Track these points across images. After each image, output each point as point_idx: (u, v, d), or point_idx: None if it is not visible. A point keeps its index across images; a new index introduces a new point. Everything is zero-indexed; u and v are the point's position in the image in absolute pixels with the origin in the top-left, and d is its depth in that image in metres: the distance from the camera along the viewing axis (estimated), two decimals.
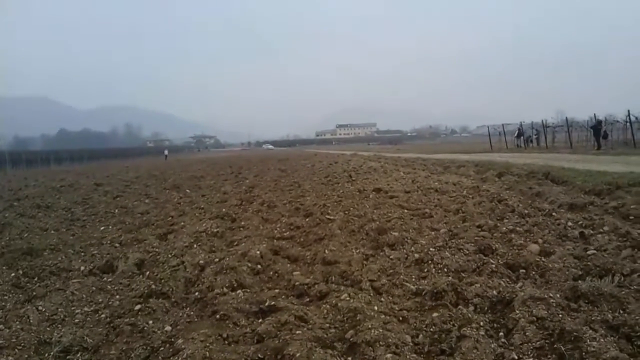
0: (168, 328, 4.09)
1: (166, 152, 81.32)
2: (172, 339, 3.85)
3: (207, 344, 3.57)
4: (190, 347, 3.49)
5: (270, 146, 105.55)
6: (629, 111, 30.81)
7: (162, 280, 5.27)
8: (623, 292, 3.95)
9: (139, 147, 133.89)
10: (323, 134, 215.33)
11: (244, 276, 5.22)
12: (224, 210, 10.22)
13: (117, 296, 4.98)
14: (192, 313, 4.47)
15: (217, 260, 5.86)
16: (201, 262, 5.86)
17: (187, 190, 15.81)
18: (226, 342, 3.70)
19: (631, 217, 7.13)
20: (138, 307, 4.53)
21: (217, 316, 4.20)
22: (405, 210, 8.49)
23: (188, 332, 3.92)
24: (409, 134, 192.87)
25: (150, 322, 4.18)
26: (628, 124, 31.31)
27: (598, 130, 30.76)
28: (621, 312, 3.60)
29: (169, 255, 6.34)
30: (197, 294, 4.89)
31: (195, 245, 6.86)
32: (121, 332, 3.97)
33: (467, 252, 5.52)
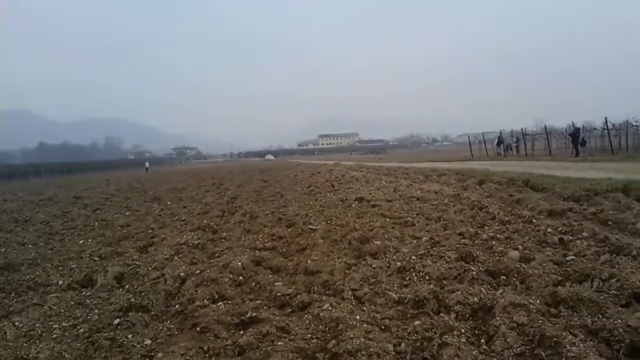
0: (148, 342, 4.04)
1: (147, 164, 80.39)
2: (152, 353, 3.81)
3: (188, 357, 3.55)
4: None
5: (271, 157, 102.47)
6: (606, 118, 31.39)
7: (142, 294, 5.22)
8: (602, 297, 3.99)
9: (120, 159, 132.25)
10: (305, 144, 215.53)
11: (226, 288, 5.19)
12: (205, 221, 10.14)
13: (96, 310, 4.88)
14: (172, 326, 4.42)
15: (198, 272, 5.82)
16: (182, 274, 5.81)
17: (168, 202, 15.69)
18: (207, 354, 3.67)
19: (609, 223, 7.24)
20: (117, 321, 4.47)
21: (198, 329, 4.16)
22: (388, 219, 8.50)
23: (168, 346, 3.88)
24: (391, 143, 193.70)
25: (130, 336, 4.12)
26: (605, 131, 31.84)
27: (576, 137, 31.25)
28: (600, 316, 3.64)
29: (149, 268, 6.27)
30: (177, 306, 4.85)
31: (176, 258, 6.80)
32: (100, 347, 3.91)
33: (449, 259, 5.54)
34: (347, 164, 39.89)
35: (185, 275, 5.76)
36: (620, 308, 3.81)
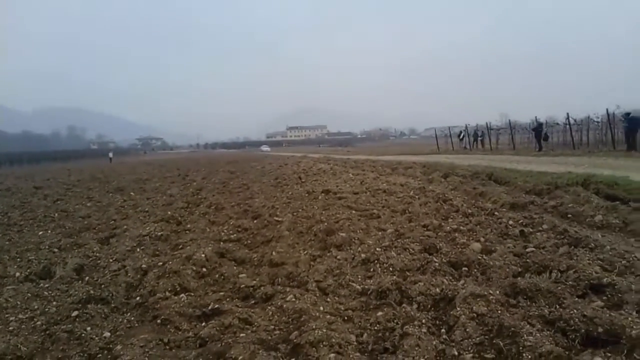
0: (107, 334, 3.95)
1: (111, 154, 78.84)
2: (111, 346, 3.73)
3: (147, 350, 3.49)
4: (129, 353, 3.41)
5: (268, 148, 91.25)
6: (568, 114, 32.09)
7: (102, 286, 5.11)
8: (559, 288, 4.08)
9: (83, 149, 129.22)
10: (273, 136, 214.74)
11: (188, 280, 5.12)
12: (169, 213, 9.99)
13: (54, 302, 4.74)
14: (132, 318, 4.33)
15: (160, 264, 5.71)
16: (143, 266, 5.70)
17: (132, 193, 15.40)
18: (167, 347, 3.62)
19: (569, 216, 7.43)
20: (75, 313, 4.35)
21: (159, 321, 4.10)
22: (354, 211, 8.52)
23: (127, 338, 3.80)
24: (359, 136, 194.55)
25: (88, 328, 4.02)
26: (567, 126, 32.59)
27: (539, 132, 31.94)
28: (557, 307, 3.71)
29: (110, 260, 6.15)
30: (138, 298, 4.75)
31: (138, 249, 6.68)
32: (57, 339, 3.80)
33: (413, 251, 5.58)
34: (315, 157, 39.91)
35: (147, 267, 5.66)
36: (576, 299, 3.90)
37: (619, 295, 3.87)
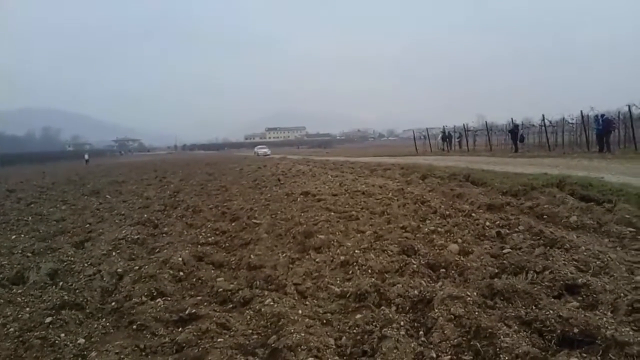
0: (81, 340, 3.87)
1: (87, 156, 77.39)
2: (85, 352, 3.66)
3: (123, 356, 3.44)
4: None
5: (266, 149, 68.41)
6: (543, 115, 32.56)
7: (77, 291, 5.01)
8: (535, 289, 4.13)
9: (58, 151, 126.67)
10: (252, 137, 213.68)
11: (165, 284, 5.05)
12: (145, 216, 9.88)
13: (27, 309, 4.62)
14: (107, 324, 4.25)
15: (136, 268, 5.63)
16: (119, 270, 5.60)
17: (108, 196, 15.18)
18: (143, 353, 3.56)
19: (545, 217, 7.51)
20: (49, 319, 4.24)
21: (134, 326, 4.03)
22: (332, 213, 8.51)
23: (102, 344, 3.73)
24: (338, 138, 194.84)
25: (62, 335, 3.93)
26: (543, 127, 33.07)
27: (515, 133, 32.37)
28: (533, 307, 3.75)
29: (85, 264, 6.03)
30: (113, 304, 4.67)
31: (113, 253, 6.57)
32: (30, 346, 3.71)
33: (391, 253, 5.60)
34: (294, 158, 39.86)
35: (123, 272, 5.56)
36: (552, 299, 3.95)
37: (594, 295, 3.92)
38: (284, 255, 6.02)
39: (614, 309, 3.63)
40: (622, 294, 3.81)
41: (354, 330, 3.67)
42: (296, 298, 4.52)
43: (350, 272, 5.17)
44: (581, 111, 28.07)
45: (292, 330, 3.50)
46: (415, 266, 5.01)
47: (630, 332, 3.09)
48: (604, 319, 3.36)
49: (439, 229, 6.76)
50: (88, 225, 9.48)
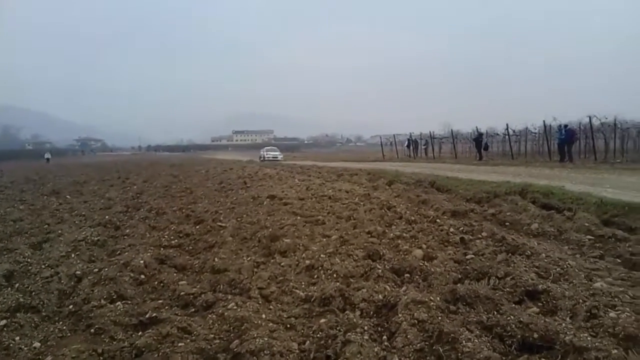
0: (37, 344, 3.74)
1: (48, 155, 75.27)
2: (41, 356, 3.54)
3: None
4: None
5: (277, 153, 52.44)
6: (507, 125, 33.29)
7: (33, 293, 4.83)
8: (497, 294, 4.18)
9: (17, 149, 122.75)
10: (219, 140, 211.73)
11: (125, 287, 4.92)
12: (107, 217, 9.64)
13: None
14: (64, 327, 4.11)
15: (96, 270, 5.46)
16: (78, 272, 5.44)
17: (68, 196, 14.76)
18: (101, 357, 3.45)
19: (507, 224, 7.66)
20: (3, 322, 4.09)
21: (92, 330, 3.90)
22: (299, 217, 8.50)
23: (59, 348, 3.61)
24: (305, 142, 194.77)
25: (17, 338, 3.80)
26: (507, 136, 33.79)
27: (480, 142, 33.01)
28: (495, 313, 3.79)
29: (42, 266, 5.83)
30: (71, 306, 4.53)
31: (72, 255, 6.38)
32: None
33: (357, 257, 5.61)
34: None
35: (82, 274, 5.40)
36: (513, 305, 4.00)
37: (554, 301, 3.99)
38: (249, 259, 5.96)
39: (573, 315, 3.70)
40: (580, 300, 3.89)
41: (318, 335, 3.64)
42: (260, 302, 4.47)
43: (316, 276, 5.15)
44: (544, 121, 28.74)
45: (256, 335, 3.46)
46: (380, 271, 5.02)
47: (589, 338, 3.15)
48: (563, 324, 3.43)
49: (404, 235, 6.81)
50: (47, 225, 9.19)
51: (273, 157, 49.33)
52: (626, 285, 4.45)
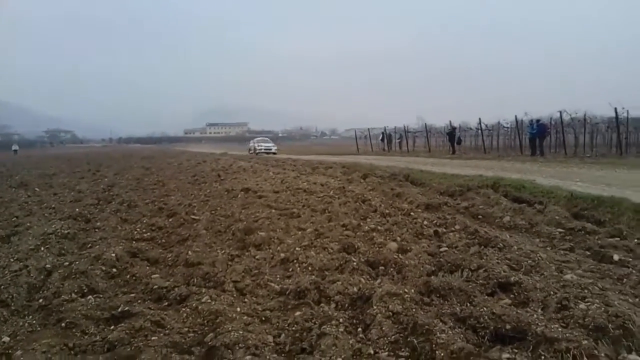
0: (6, 339, 3.64)
1: (15, 146, 73.51)
2: (10, 351, 3.42)
3: (50, 355, 3.24)
4: (29, 359, 3.15)
5: (270, 144, 47.59)
6: (480, 119, 33.78)
7: (1, 287, 4.67)
8: (470, 286, 4.23)
9: None
10: (192, 132, 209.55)
11: (97, 280, 4.83)
12: (77, 210, 9.44)
13: None
14: (34, 322, 4.01)
15: (66, 264, 5.34)
16: (48, 266, 5.31)
17: (37, 189, 14.40)
18: (72, 352, 3.37)
19: (479, 217, 7.77)
20: None
21: (63, 324, 3.81)
22: (274, 210, 8.46)
23: (28, 343, 3.51)
24: (280, 135, 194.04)
25: None
26: (479, 131, 34.30)
27: (453, 136, 33.46)
28: (468, 304, 3.83)
29: (11, 259, 5.67)
30: (41, 300, 4.42)
31: (42, 248, 6.22)
32: None
33: (332, 250, 5.60)
34: (235, 154, 39.45)
35: (52, 267, 5.27)
36: (486, 297, 4.05)
37: (525, 293, 4.05)
38: (223, 252, 5.91)
39: (544, 306, 3.76)
40: (551, 292, 3.96)
41: (293, 328, 3.63)
42: (235, 295, 4.43)
43: (291, 269, 5.14)
44: (515, 116, 29.25)
45: (230, 328, 3.43)
46: (355, 264, 5.03)
47: (559, 329, 3.20)
48: (535, 315, 3.48)
49: (379, 228, 6.83)
50: (15, 218, 8.95)
51: (266, 150, 44.59)
52: (595, 277, 4.55)
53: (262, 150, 43.88)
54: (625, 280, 4.60)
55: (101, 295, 4.50)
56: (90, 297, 4.40)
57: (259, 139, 50.84)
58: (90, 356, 3.32)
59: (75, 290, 4.55)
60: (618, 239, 6.11)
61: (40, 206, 10.49)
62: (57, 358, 3.23)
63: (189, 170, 20.38)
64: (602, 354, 2.93)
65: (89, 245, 6.53)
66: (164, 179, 16.40)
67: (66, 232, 7.20)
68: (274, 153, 42.17)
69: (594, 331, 3.18)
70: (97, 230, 7.65)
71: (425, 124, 44.27)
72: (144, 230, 7.53)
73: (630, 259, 5.23)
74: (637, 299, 4.07)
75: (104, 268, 5.24)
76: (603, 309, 3.43)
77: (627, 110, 25.40)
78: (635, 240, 6.03)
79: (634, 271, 4.79)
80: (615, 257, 5.26)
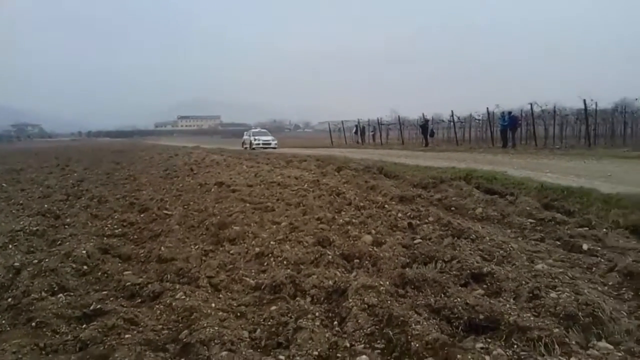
0: None
1: None
2: None
3: (20, 355, 3.16)
4: None
5: (269, 137, 39.33)
6: (452, 112, 34.12)
7: None
8: (444, 277, 4.28)
9: None
10: (163, 125, 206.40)
11: (67, 278, 4.72)
12: (46, 206, 9.21)
13: None
14: (3, 322, 3.89)
15: (35, 261, 5.19)
16: (16, 264, 5.15)
17: (4, 185, 13.98)
18: (43, 352, 3.29)
19: (452, 209, 7.86)
20: None
21: (34, 324, 3.71)
22: (248, 204, 8.40)
23: None
24: (253, 128, 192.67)
25: None
26: (452, 123, 34.65)
27: (426, 128, 33.75)
28: (442, 295, 3.88)
29: None
30: (10, 300, 4.30)
31: (10, 246, 6.05)
32: None
33: (307, 244, 5.59)
34: (208, 147, 39.07)
35: (21, 265, 5.12)
36: (459, 287, 4.10)
37: (498, 283, 4.12)
38: (197, 247, 5.86)
39: (516, 296, 3.83)
40: (523, 282, 4.03)
41: (269, 322, 3.61)
42: (209, 291, 4.39)
43: (266, 263, 5.12)
44: (487, 108, 29.60)
45: (205, 324, 3.39)
46: (330, 257, 5.03)
47: (531, 318, 3.26)
48: (507, 305, 3.54)
49: (354, 220, 6.85)
50: None
51: (265, 144, 36.96)
52: (565, 267, 4.67)
53: (260, 145, 36.63)
54: (594, 269, 4.73)
55: (72, 294, 4.40)
56: (60, 295, 4.30)
57: (255, 130, 43.12)
58: (62, 356, 3.25)
59: (46, 289, 4.44)
60: (587, 228, 6.26)
61: (7, 202, 10.21)
62: (28, 358, 3.16)
63: (160, 164, 20.16)
64: (573, 342, 3.00)
65: (59, 242, 6.38)
66: (135, 173, 16.20)
67: (35, 229, 7.01)
68: (274, 148, 35.85)
69: (564, 319, 3.25)
70: (66, 226, 7.49)
71: (399, 116, 44.56)
72: (115, 226, 7.39)
73: (599, 248, 5.37)
74: (606, 287, 4.20)
75: (74, 265, 5.11)
76: (573, 297, 3.51)
77: (596, 102, 26.09)
78: (604, 230, 6.19)
79: (602, 260, 4.93)
80: (585, 247, 5.38)
